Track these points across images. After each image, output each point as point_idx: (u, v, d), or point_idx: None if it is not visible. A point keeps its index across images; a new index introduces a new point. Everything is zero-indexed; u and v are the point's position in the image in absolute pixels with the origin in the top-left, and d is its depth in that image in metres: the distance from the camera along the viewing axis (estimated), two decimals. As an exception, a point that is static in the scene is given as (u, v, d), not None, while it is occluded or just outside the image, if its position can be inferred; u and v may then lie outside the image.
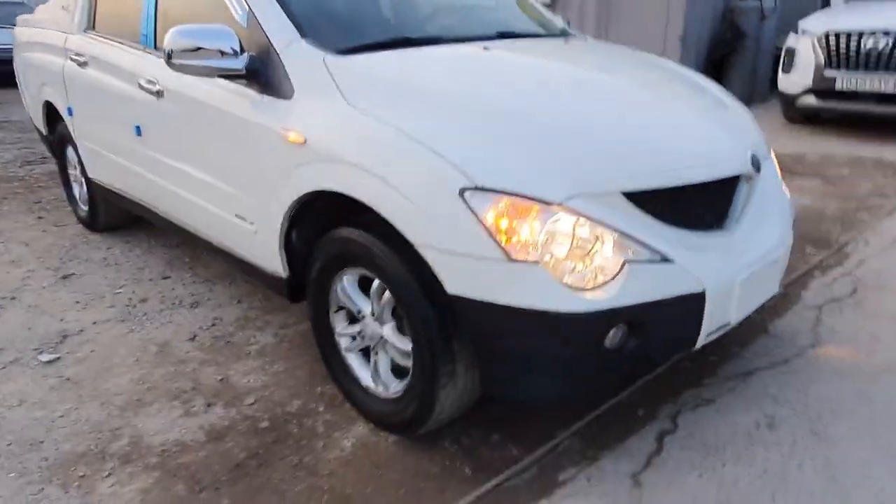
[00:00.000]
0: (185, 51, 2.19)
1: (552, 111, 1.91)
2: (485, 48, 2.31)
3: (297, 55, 2.13)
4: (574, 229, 1.67)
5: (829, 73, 6.00)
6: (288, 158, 2.05)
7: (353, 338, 2.17)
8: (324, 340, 2.25)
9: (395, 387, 2.05)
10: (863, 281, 3.06)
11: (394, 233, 1.82)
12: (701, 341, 1.86)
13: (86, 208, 4.00)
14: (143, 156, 2.94)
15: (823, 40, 6.03)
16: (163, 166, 2.81)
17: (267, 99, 2.16)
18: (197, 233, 2.81)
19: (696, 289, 1.77)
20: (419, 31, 2.55)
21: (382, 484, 1.90)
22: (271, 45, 2.17)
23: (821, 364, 2.38)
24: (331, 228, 2.08)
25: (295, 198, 2.06)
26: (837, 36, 5.94)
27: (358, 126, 1.87)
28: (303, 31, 2.18)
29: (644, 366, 2.13)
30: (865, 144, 5.81)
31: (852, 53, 5.86)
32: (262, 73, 2.18)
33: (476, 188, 1.65)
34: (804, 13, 6.95)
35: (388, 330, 2.00)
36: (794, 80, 6.30)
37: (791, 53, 6.39)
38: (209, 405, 2.29)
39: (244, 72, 2.17)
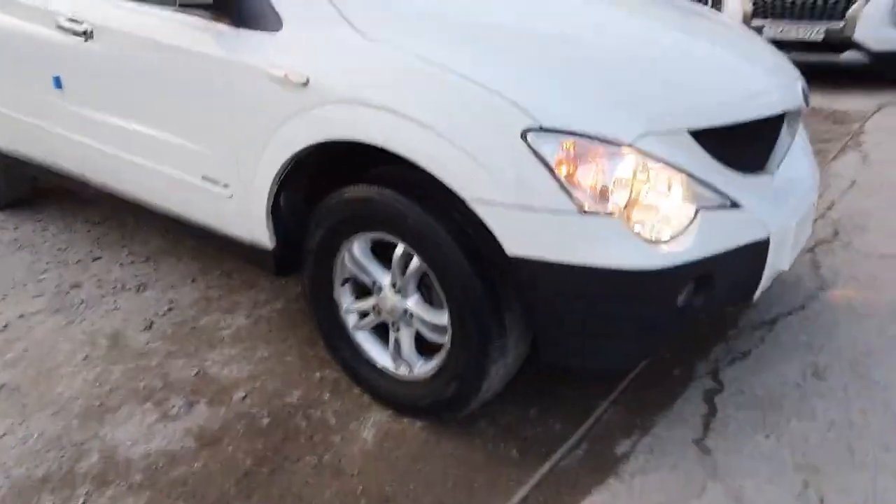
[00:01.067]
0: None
1: (600, 43, 1.68)
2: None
3: (280, -21, 1.76)
4: (647, 174, 1.46)
5: (756, 22, 6.08)
6: (282, 103, 1.70)
7: (364, 314, 1.88)
8: (326, 318, 1.94)
9: (422, 366, 1.79)
10: (840, 223, 3.07)
11: (427, 188, 1.54)
12: (759, 291, 1.72)
13: (-19, 182, 3.37)
14: (65, 113, 2.45)
15: (750, -11, 6.10)
16: (95, 125, 2.34)
17: (245, 33, 1.78)
18: (144, 202, 2.38)
19: (761, 235, 1.62)
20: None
21: (425, 479, 1.66)
22: (244, -33, 1.79)
23: (836, 306, 2.34)
24: (328, 187, 1.77)
25: (293, 152, 1.72)
26: (764, -15, 6.03)
27: (382, 60, 1.55)
28: (280, -50, 1.81)
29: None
30: (791, 92, 5.98)
31: (778, 2, 5.97)
32: (234, 1, 1.79)
33: (541, 129, 1.39)
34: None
35: (414, 303, 1.73)
36: (722, 30, 6.36)
37: (718, 3, 6.44)
38: (191, 404, 1.94)
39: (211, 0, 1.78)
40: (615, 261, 1.42)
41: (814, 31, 5.81)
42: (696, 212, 1.51)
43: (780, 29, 5.94)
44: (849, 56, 5.79)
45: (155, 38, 1.99)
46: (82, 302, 2.52)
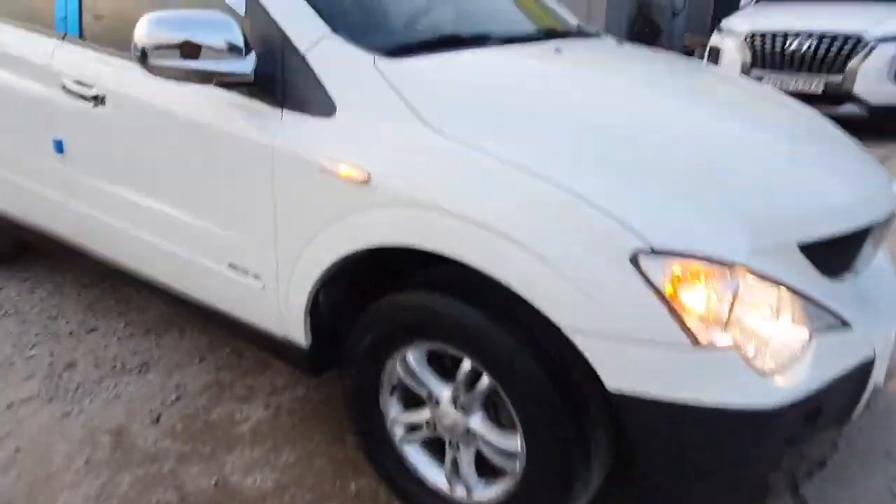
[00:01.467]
0: (161, 47, 1.58)
1: (695, 147, 1.51)
2: (557, 50, 1.88)
3: (331, 57, 1.59)
4: (761, 296, 1.30)
5: (754, 73, 6.08)
6: (335, 199, 1.52)
7: (415, 427, 1.68)
8: (368, 428, 1.74)
9: (482, 490, 1.59)
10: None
11: (503, 302, 1.36)
12: (858, 412, 1.57)
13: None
14: (66, 180, 2.22)
15: (749, 40, 6.10)
16: (100, 195, 2.12)
17: (290, 116, 1.60)
18: (149, 279, 2.16)
19: (869, 355, 1.47)
20: (461, 26, 2.04)
21: None
22: (289, 41, 1.61)
23: (900, 402, 2.21)
24: (372, 285, 1.60)
25: (346, 252, 1.53)
26: (763, 36, 6.03)
27: (461, 163, 1.37)
28: (332, 24, 1.63)
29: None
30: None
31: (777, 54, 5.97)
32: (277, 80, 1.61)
33: (651, 251, 1.23)
34: (707, 11, 7.09)
35: (479, 422, 1.53)
36: (721, 80, 6.36)
37: (715, 53, 6.45)
38: (213, 527, 1.71)
39: (252, 78, 1.60)
40: (732, 399, 1.25)
41: (813, 84, 5.82)
42: (811, 336, 1.36)
43: (779, 80, 5.95)
44: (847, 109, 5.80)
45: (179, 111, 1.79)
46: (78, 387, 2.27)
